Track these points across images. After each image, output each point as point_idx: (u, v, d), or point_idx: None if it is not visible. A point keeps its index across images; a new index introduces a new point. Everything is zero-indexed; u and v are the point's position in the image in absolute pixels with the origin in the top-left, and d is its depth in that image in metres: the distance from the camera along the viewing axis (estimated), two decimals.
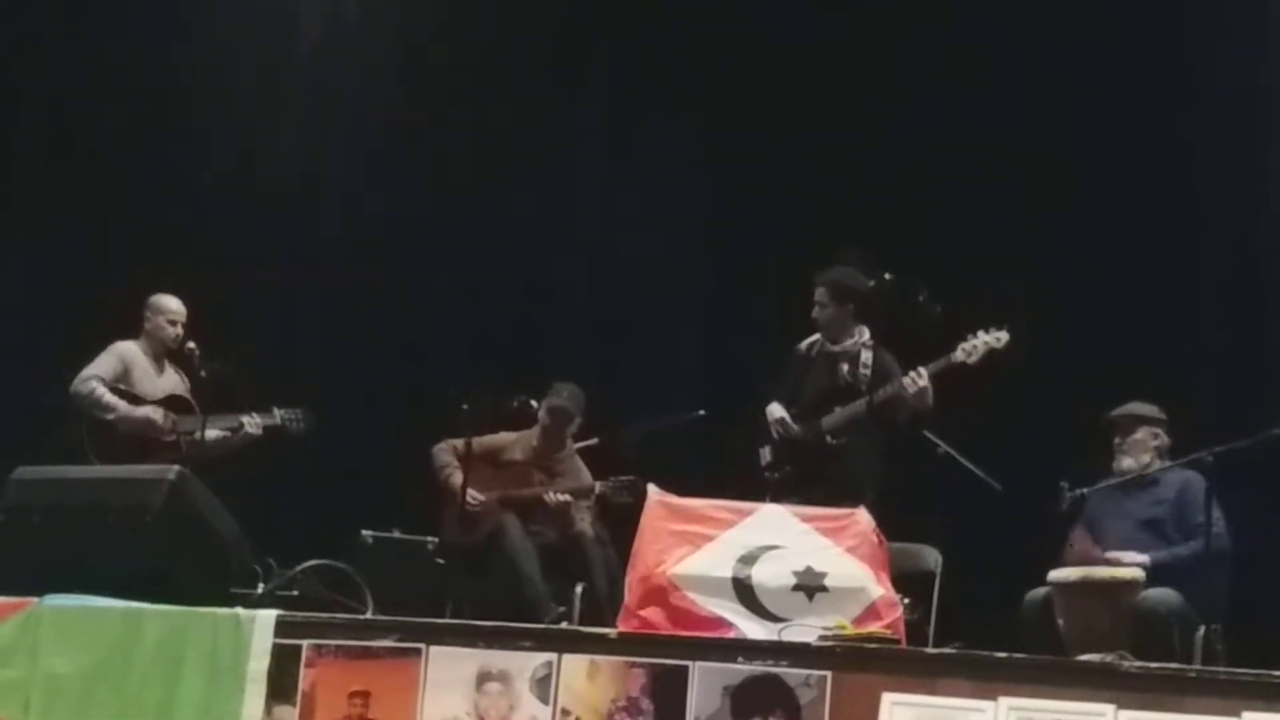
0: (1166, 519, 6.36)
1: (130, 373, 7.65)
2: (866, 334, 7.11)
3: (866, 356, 7.06)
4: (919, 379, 6.83)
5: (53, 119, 9.53)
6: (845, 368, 7.09)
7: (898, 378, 6.92)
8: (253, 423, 7.70)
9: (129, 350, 7.72)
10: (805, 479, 6.90)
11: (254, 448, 7.76)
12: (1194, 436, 6.37)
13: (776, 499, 6.40)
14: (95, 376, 7.56)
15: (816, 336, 7.21)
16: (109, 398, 7.52)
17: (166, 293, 7.82)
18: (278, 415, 7.76)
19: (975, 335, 6.84)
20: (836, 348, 7.14)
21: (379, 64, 9.58)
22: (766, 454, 7.14)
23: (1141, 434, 6.54)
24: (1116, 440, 6.57)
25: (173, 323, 7.73)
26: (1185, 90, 8.10)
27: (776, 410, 7.14)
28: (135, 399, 7.58)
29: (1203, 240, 7.97)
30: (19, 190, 9.27)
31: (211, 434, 7.56)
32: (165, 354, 7.78)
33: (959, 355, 6.85)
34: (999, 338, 6.84)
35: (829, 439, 7.01)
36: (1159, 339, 7.71)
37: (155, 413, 7.59)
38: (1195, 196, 7.93)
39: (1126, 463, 6.53)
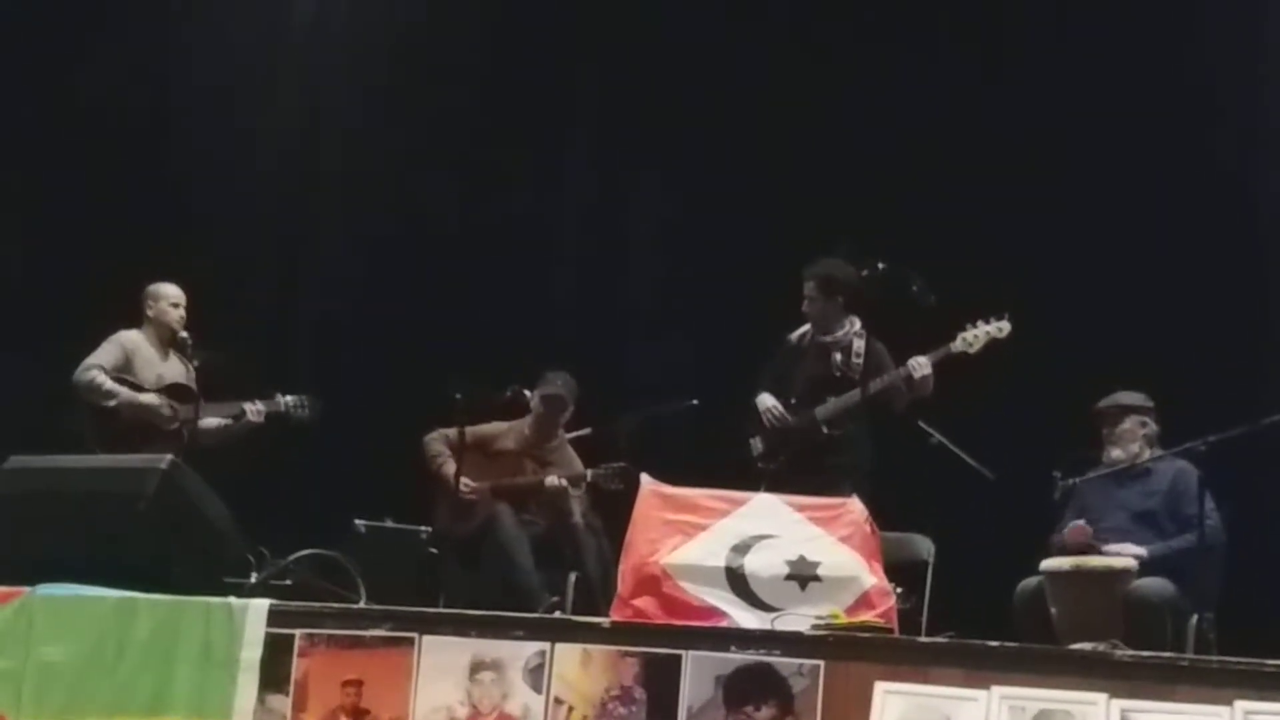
0: (1160, 510, 6.37)
1: (132, 362, 7.62)
2: (857, 324, 7.11)
3: (859, 345, 7.05)
4: (922, 367, 6.83)
5: (55, 105, 9.49)
6: (838, 357, 7.08)
7: (891, 366, 6.91)
8: (255, 409, 7.67)
9: (132, 339, 7.69)
10: (801, 469, 6.89)
11: (253, 436, 7.75)
12: (1189, 425, 6.37)
13: (772, 489, 6.39)
14: (97, 365, 7.54)
15: (807, 327, 7.20)
16: (110, 385, 7.50)
17: (164, 281, 7.80)
18: (281, 402, 7.74)
19: (976, 325, 6.84)
20: (828, 338, 7.13)
21: (376, 47, 9.57)
22: (758, 444, 7.13)
23: (1129, 423, 6.54)
24: (1105, 431, 6.57)
25: (175, 305, 7.70)
26: (1179, 76, 8.10)
27: (768, 400, 7.13)
28: (137, 388, 7.56)
29: (1198, 227, 7.95)
30: (17, 178, 9.24)
31: (214, 421, 7.56)
32: (170, 342, 7.75)
33: (959, 345, 6.85)
34: (1000, 328, 6.83)
35: (824, 429, 7.01)
36: (1153, 327, 7.71)
37: (158, 399, 7.58)
38: (1191, 183, 7.92)
39: (1116, 453, 6.53)
